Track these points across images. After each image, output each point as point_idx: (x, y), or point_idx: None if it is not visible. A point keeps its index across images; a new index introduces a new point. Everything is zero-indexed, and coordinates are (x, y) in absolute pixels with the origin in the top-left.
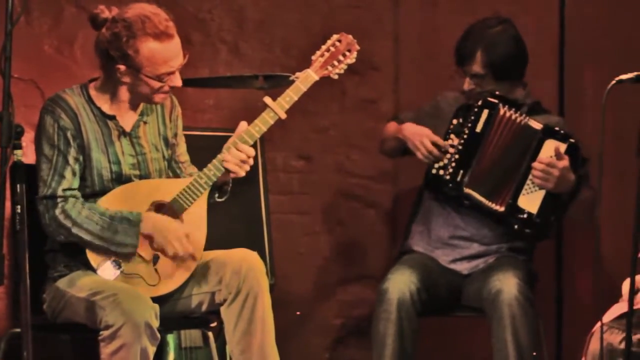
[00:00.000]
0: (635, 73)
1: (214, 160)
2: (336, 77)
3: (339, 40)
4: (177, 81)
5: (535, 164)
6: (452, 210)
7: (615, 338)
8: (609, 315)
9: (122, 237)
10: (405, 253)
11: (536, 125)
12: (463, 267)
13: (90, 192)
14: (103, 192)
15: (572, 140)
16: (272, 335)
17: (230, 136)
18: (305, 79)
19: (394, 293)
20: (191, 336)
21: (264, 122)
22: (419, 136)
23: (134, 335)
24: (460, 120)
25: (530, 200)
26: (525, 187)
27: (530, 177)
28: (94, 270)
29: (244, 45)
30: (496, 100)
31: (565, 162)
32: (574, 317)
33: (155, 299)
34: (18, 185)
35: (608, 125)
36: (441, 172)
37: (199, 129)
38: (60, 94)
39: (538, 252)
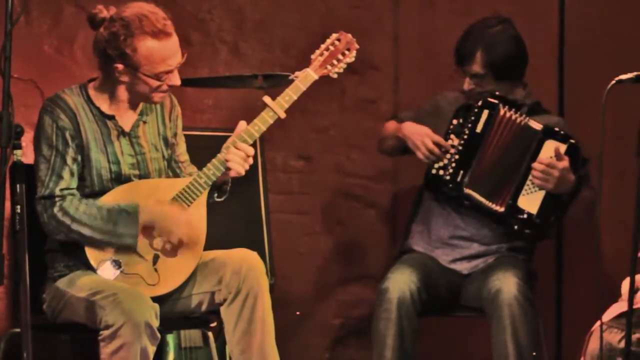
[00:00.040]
0: (635, 73)
1: (214, 160)
2: (335, 76)
3: (338, 39)
4: (176, 80)
5: (535, 165)
6: (452, 210)
7: (615, 337)
8: (609, 315)
9: (122, 228)
10: (405, 253)
11: (536, 125)
12: (463, 267)
13: (90, 192)
14: (102, 192)
15: (572, 141)
16: (272, 335)
17: (229, 136)
18: (304, 78)
19: (394, 292)
20: (191, 336)
21: (263, 122)
22: (420, 135)
23: (134, 335)
24: (460, 121)
25: (530, 201)
26: (525, 187)
27: (530, 177)
28: (93, 270)
29: (243, 45)
30: (496, 101)
31: (565, 163)
32: (573, 317)
33: (155, 299)
34: (18, 185)
35: (608, 125)
36: (441, 172)
37: (199, 129)
38: (59, 94)
39: (538, 252)
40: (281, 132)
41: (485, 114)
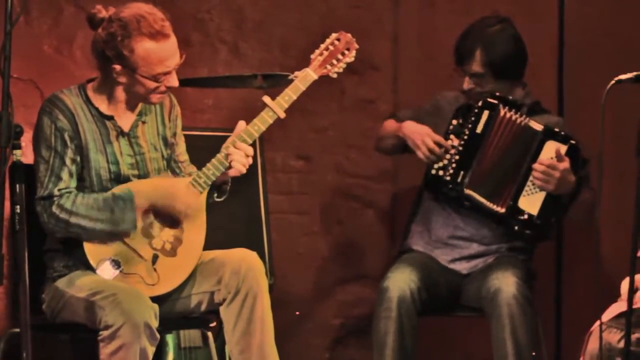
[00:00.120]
0: (635, 73)
1: (213, 160)
2: (335, 75)
3: (338, 39)
4: (174, 81)
5: (536, 166)
6: (452, 210)
7: (614, 337)
8: (608, 315)
9: (120, 213)
10: (404, 252)
11: (537, 126)
12: (462, 267)
13: (90, 193)
14: (102, 192)
15: (572, 142)
16: (271, 335)
17: (229, 136)
18: (304, 78)
19: (394, 291)
20: (190, 336)
21: (263, 122)
22: (420, 135)
23: (133, 336)
24: (460, 121)
25: (531, 202)
26: (526, 188)
27: (530, 178)
28: (93, 270)
29: (243, 45)
30: (496, 101)
31: (565, 164)
32: (573, 317)
33: (154, 299)
34: (17, 185)
35: (607, 126)
36: (440, 172)
37: (198, 129)
38: (57, 95)
39: (538, 252)
40: (281, 132)
41: (485, 114)
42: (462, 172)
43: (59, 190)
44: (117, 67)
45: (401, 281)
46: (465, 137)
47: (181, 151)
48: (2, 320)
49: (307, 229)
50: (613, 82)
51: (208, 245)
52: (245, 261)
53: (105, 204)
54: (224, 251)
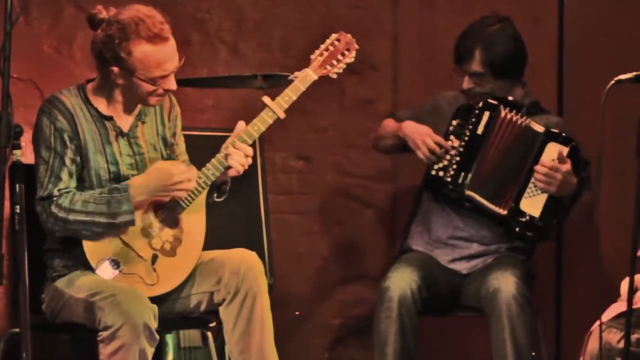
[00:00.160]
0: (635, 73)
1: (213, 160)
2: (335, 76)
3: (338, 40)
4: (172, 84)
5: (538, 168)
6: (451, 211)
7: (614, 337)
8: (608, 315)
9: (116, 206)
10: (404, 252)
11: (538, 127)
12: (462, 267)
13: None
14: None
15: (573, 143)
16: (271, 335)
17: (229, 136)
18: (304, 79)
19: (395, 291)
20: (190, 336)
21: (262, 122)
22: (420, 135)
23: (133, 336)
24: (460, 121)
25: (533, 204)
26: (528, 190)
27: (532, 180)
28: (92, 270)
29: (243, 45)
30: (497, 102)
31: (567, 166)
32: (573, 317)
33: (153, 299)
34: (17, 185)
35: (607, 126)
36: (441, 173)
37: (198, 129)
38: (56, 95)
39: (538, 252)
40: (280, 132)
41: (486, 115)
42: (462, 173)
43: (59, 190)
44: (115, 69)
45: (402, 281)
46: (466, 138)
47: (181, 151)
48: (2, 320)
49: (306, 229)
50: (613, 82)
51: (208, 246)
52: (244, 261)
53: (102, 197)
54: (224, 251)
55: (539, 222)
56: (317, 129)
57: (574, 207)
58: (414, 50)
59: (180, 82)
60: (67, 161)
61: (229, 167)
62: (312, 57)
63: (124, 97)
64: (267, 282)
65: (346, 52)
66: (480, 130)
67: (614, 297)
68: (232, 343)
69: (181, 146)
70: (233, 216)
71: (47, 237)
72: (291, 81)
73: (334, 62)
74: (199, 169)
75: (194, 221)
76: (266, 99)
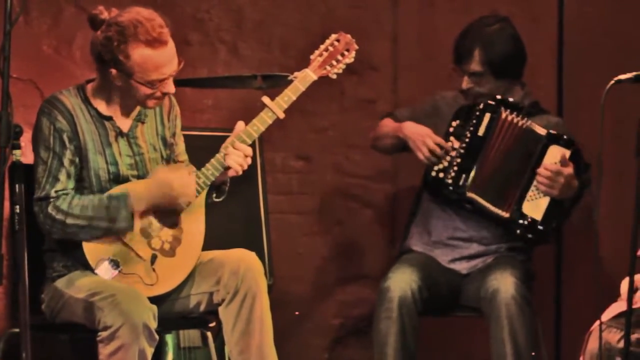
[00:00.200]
0: (634, 73)
1: (212, 160)
2: (334, 76)
3: (338, 40)
4: (170, 88)
5: (541, 171)
6: (452, 212)
7: (614, 337)
8: (608, 314)
9: (115, 212)
10: (404, 253)
11: (540, 130)
12: (462, 267)
13: (89, 193)
14: (101, 193)
15: (575, 147)
16: (270, 335)
17: (229, 136)
18: (303, 79)
19: (395, 292)
20: (190, 336)
21: (262, 122)
22: (421, 136)
23: (132, 336)
24: (460, 122)
25: (535, 207)
26: (530, 193)
27: (534, 183)
28: (92, 270)
29: (242, 45)
30: (498, 104)
31: (570, 169)
32: (573, 317)
33: (153, 299)
34: (17, 185)
35: (607, 125)
36: (441, 174)
37: (198, 129)
38: (56, 95)
39: (537, 252)
40: (280, 132)
41: (487, 117)
42: (464, 175)
43: (56, 191)
44: (113, 71)
45: (402, 282)
46: (467, 139)
47: (180, 151)
48: (1, 320)
49: (306, 229)
50: (612, 82)
51: (207, 246)
52: (244, 261)
53: (100, 203)
54: (223, 251)
55: (541, 225)
56: (317, 129)
57: (574, 210)
58: (413, 50)
59: (179, 82)
60: (66, 162)
61: (228, 168)
62: (312, 57)
63: (122, 99)
64: (267, 282)
65: (346, 53)
66: (481, 132)
67: (614, 297)
68: (232, 343)
69: (181, 146)
70: (232, 216)
71: (47, 237)
72: (291, 81)
73: (334, 62)
74: (199, 169)
75: (194, 221)
76: (265, 99)
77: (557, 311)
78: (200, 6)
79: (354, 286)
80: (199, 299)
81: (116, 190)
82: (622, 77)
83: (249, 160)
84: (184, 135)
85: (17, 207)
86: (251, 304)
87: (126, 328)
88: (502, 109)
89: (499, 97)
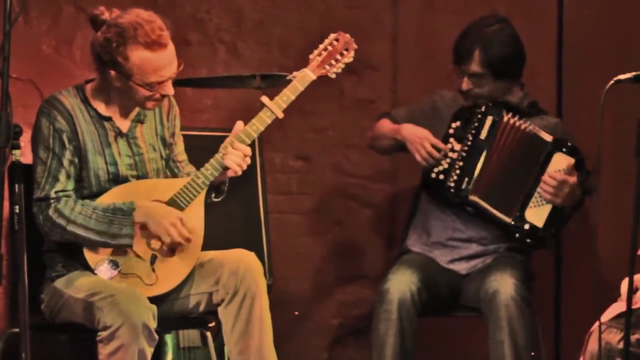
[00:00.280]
0: (634, 73)
1: (212, 160)
2: (334, 76)
3: (337, 40)
4: (169, 90)
5: (546, 179)
6: (451, 213)
7: (614, 338)
8: (608, 315)
9: (117, 228)
10: (403, 254)
11: (546, 136)
12: (461, 267)
13: (88, 194)
14: (100, 193)
15: (579, 155)
16: (270, 336)
17: (228, 136)
18: (302, 78)
19: (395, 293)
20: (189, 336)
21: (261, 122)
22: (419, 138)
23: (132, 336)
24: (460, 124)
25: (537, 214)
26: (533, 200)
27: (538, 190)
28: (91, 270)
29: (242, 45)
30: (499, 107)
31: (574, 178)
32: (572, 317)
33: (152, 299)
34: (16, 185)
35: (606, 126)
36: (441, 176)
37: (197, 129)
38: (56, 96)
39: (537, 252)
40: (279, 132)
41: (489, 120)
42: (466, 179)
43: (56, 192)
44: (113, 72)
45: (402, 283)
46: (469, 142)
47: (180, 151)
48: (1, 320)
49: (306, 229)
50: (612, 82)
51: (207, 246)
52: (243, 262)
53: (105, 216)
54: (223, 252)
55: (541, 232)
56: (316, 129)
57: (573, 217)
58: (413, 50)
59: (179, 82)
60: (65, 162)
61: (227, 168)
62: (311, 57)
63: (121, 99)
64: (266, 283)
65: (345, 52)
66: (483, 135)
67: (614, 297)
68: (231, 344)
69: (180, 146)
70: (232, 216)
71: (46, 238)
72: (290, 81)
73: (333, 62)
74: (198, 169)
75: (193, 221)
76: (265, 99)
77: (557, 311)
78: (200, 6)
79: (353, 286)
80: (199, 299)
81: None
82: (622, 77)
83: (248, 160)
84: (184, 135)
85: (17, 207)
86: (250, 304)
87: (126, 328)
88: (504, 111)
89: (497, 97)
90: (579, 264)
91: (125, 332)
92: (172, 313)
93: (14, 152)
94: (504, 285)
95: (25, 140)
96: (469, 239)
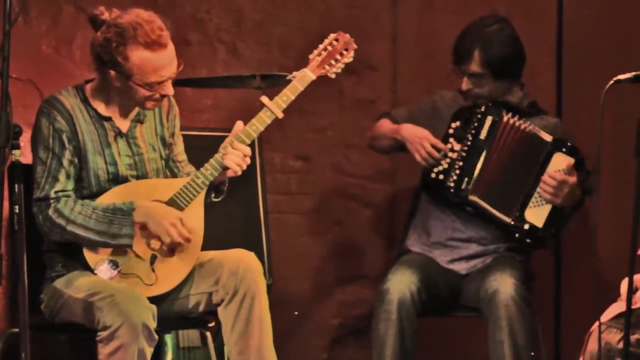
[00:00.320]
0: (633, 73)
1: (211, 160)
2: (333, 76)
3: (336, 39)
4: (169, 90)
5: (546, 179)
6: (451, 213)
7: (614, 338)
8: (607, 315)
9: (117, 228)
10: (403, 254)
11: (546, 136)
12: (461, 267)
13: (88, 194)
14: (100, 193)
15: (579, 155)
16: (269, 336)
17: (228, 136)
18: (302, 78)
19: (394, 294)
20: (189, 336)
21: (261, 122)
22: (419, 138)
23: (132, 336)
24: (460, 124)
25: (537, 214)
26: (533, 200)
27: (538, 190)
28: (91, 270)
29: (242, 45)
30: (499, 107)
31: (574, 178)
32: (572, 317)
33: (152, 299)
34: (16, 185)
35: (606, 125)
36: (441, 176)
37: (197, 129)
38: (55, 96)
39: (536, 252)
40: (279, 132)
41: (488, 120)
42: (466, 179)
43: (56, 192)
44: (112, 72)
45: (402, 283)
46: (469, 142)
47: (179, 151)
48: (1, 320)
49: (305, 229)
50: (612, 82)
51: (206, 246)
52: (243, 262)
53: (105, 216)
54: (222, 252)
55: (541, 232)
56: (316, 129)
57: (573, 217)
58: (412, 50)
59: (179, 83)
60: (65, 162)
61: (227, 168)
62: (311, 56)
63: (121, 99)
64: (266, 283)
65: (344, 52)
66: (483, 135)
67: (613, 297)
68: (231, 344)
69: (179, 146)
70: (232, 216)
71: (45, 238)
72: (289, 81)
73: (333, 61)
74: (198, 169)
75: (193, 221)
76: (264, 99)
77: (557, 311)
78: (199, 6)
79: (353, 286)
80: (198, 299)
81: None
82: (622, 77)
83: (248, 160)
84: (183, 136)
85: (17, 207)
86: (250, 304)
87: (125, 328)
88: (504, 111)
89: (497, 97)
90: (579, 264)
91: (125, 332)
92: (171, 313)
93: (13, 152)
94: (504, 285)
95: (25, 140)
96: (469, 239)
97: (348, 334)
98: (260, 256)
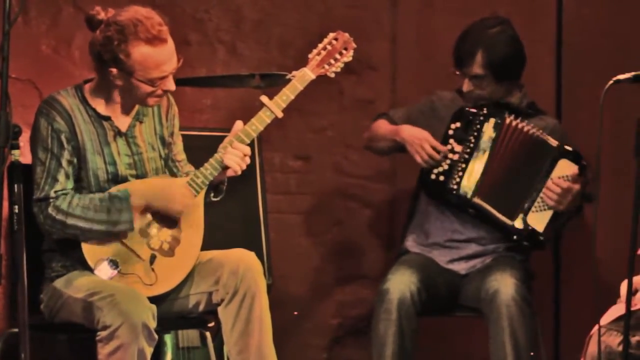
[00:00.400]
0: (633, 73)
1: (211, 160)
2: (333, 75)
3: (336, 39)
4: (170, 85)
5: (551, 186)
6: (450, 214)
7: (614, 340)
8: (607, 317)
9: (116, 214)
10: (402, 254)
11: (552, 141)
12: (461, 267)
13: (87, 193)
14: (100, 192)
15: (583, 162)
16: (269, 335)
17: (227, 136)
18: (301, 78)
19: (394, 293)
20: (189, 336)
21: (260, 121)
22: (419, 140)
23: (132, 336)
24: (460, 125)
25: (539, 218)
26: (536, 204)
27: (542, 195)
28: (91, 270)
29: (241, 45)
30: (501, 109)
31: (578, 186)
32: (572, 317)
33: (152, 299)
34: (15, 185)
35: (606, 126)
36: (441, 177)
37: (197, 129)
38: (54, 96)
39: (536, 252)
40: (279, 132)
41: (491, 122)
42: (469, 181)
43: (55, 192)
44: (114, 70)
45: (401, 283)
46: (471, 144)
47: (178, 150)
48: (0, 320)
49: (305, 229)
50: (611, 82)
51: (206, 246)
52: (243, 261)
53: (102, 205)
54: (222, 251)
55: (541, 236)
56: (316, 129)
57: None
58: (412, 50)
59: (178, 82)
60: (64, 162)
61: (226, 167)
62: (310, 56)
63: (122, 98)
64: (266, 282)
65: (344, 51)
66: (485, 137)
67: (613, 297)
68: (231, 343)
69: (179, 145)
70: (231, 216)
71: (46, 237)
72: (289, 80)
73: (332, 61)
74: (197, 168)
75: (192, 221)
76: (264, 99)
77: (556, 311)
78: (199, 6)
79: (352, 286)
80: (198, 298)
81: (117, 188)
82: (621, 77)
83: (248, 160)
84: (183, 135)
85: (16, 207)
86: (250, 304)
87: (125, 328)
88: (506, 113)
89: (497, 98)
90: (579, 265)
91: (124, 332)
92: (171, 313)
93: (13, 152)
94: (505, 285)
95: (24, 140)
96: (468, 239)
97: (347, 334)
98: (259, 256)
